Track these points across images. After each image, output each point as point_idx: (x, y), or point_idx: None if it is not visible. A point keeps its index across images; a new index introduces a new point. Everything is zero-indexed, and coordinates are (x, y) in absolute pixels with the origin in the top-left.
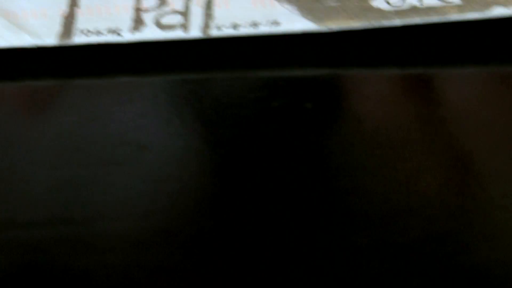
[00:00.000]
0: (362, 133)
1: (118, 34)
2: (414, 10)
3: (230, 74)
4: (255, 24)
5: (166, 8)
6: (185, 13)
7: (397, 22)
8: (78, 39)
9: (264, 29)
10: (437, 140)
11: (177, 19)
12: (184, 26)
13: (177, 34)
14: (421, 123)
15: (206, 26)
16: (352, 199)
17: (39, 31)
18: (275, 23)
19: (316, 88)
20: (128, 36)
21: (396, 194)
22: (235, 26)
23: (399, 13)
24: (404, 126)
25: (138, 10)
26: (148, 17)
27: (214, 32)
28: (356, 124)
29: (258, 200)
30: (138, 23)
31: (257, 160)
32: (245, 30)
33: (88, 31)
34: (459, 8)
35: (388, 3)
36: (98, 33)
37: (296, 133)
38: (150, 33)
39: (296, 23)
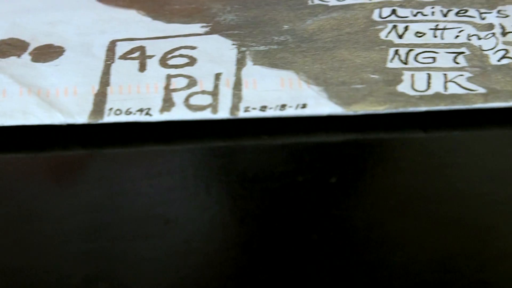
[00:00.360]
0: (387, 206)
1: (148, 114)
2: (439, 96)
3: (257, 147)
4: (282, 106)
5: (196, 89)
6: (214, 94)
7: (422, 108)
8: (108, 118)
9: (292, 111)
10: (467, 214)
11: (206, 99)
12: (213, 107)
13: (206, 114)
14: (449, 196)
15: (234, 107)
16: (377, 273)
17: (71, 109)
18: (303, 105)
19: (341, 161)
20: (157, 116)
21: (423, 268)
22: (262, 108)
23: (424, 98)
24: (429, 198)
25: (168, 90)
26: (178, 97)
27: (242, 114)
28: (381, 197)
29: (283, 274)
30: (167, 103)
31: (282, 234)
32: (272, 112)
33: (119, 110)
34: (484, 96)
35: (413, 88)
36: (128, 112)
37: (321, 207)
38: (180, 113)
39: (323, 106)
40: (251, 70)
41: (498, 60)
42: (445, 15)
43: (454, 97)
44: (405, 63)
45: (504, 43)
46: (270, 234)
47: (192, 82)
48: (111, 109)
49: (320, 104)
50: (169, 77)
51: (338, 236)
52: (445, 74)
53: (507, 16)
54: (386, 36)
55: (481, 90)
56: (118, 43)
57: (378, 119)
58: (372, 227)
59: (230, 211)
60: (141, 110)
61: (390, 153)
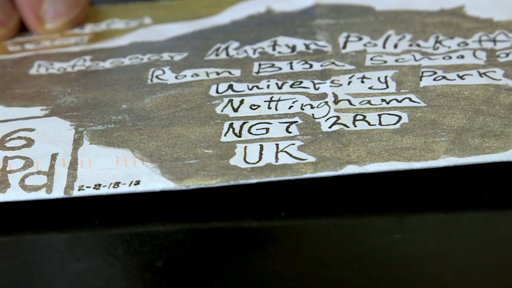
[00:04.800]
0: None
1: None
2: (269, 167)
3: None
4: (116, 184)
5: (32, 169)
6: (49, 174)
7: (253, 180)
8: None
9: (125, 188)
10: None
11: (41, 180)
12: (48, 187)
13: (40, 195)
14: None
15: (68, 186)
16: None
17: None
18: (136, 182)
19: (168, 246)
20: None
21: None
22: (97, 186)
23: (255, 170)
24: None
25: (4, 171)
26: (13, 178)
27: (76, 193)
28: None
29: None
30: (3, 184)
31: None
32: (106, 190)
33: None
34: (314, 165)
35: (245, 161)
36: None
37: None
38: (14, 194)
39: (156, 182)
40: (87, 149)
41: (330, 127)
42: (280, 88)
43: (285, 167)
44: (239, 136)
45: (336, 110)
46: None
47: (28, 163)
48: None
49: (153, 180)
50: (6, 159)
51: None
52: (277, 144)
53: (340, 85)
54: (222, 111)
55: (311, 159)
56: None
57: (219, 210)
58: None
59: None
60: None
61: (219, 242)
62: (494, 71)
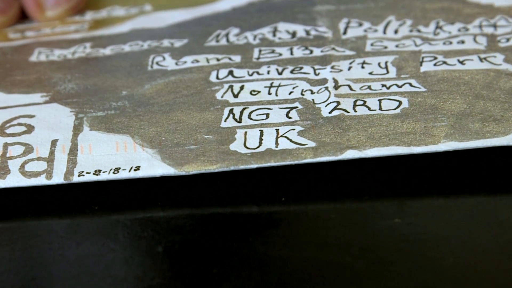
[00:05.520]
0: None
1: None
2: (270, 152)
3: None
4: (116, 169)
5: (32, 155)
6: (49, 160)
7: (253, 165)
8: None
9: (125, 174)
10: None
11: (41, 166)
12: (48, 173)
13: (41, 181)
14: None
15: (68, 172)
16: None
17: None
18: (136, 168)
19: (168, 231)
20: None
21: None
22: (96, 172)
23: (255, 155)
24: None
25: (4, 158)
26: (13, 165)
27: (76, 178)
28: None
29: None
30: (3, 170)
31: None
32: (106, 176)
33: None
34: (314, 150)
35: (245, 146)
36: None
37: (145, 277)
38: (14, 180)
39: (156, 168)
40: (87, 135)
41: (330, 112)
42: (280, 73)
43: (285, 152)
44: (239, 122)
45: (336, 95)
46: None
47: (29, 149)
48: None
49: (153, 166)
50: (6, 145)
51: None
52: (277, 130)
53: (340, 70)
54: (222, 96)
55: (311, 144)
56: None
57: (219, 195)
58: None
59: None
60: None
61: (219, 227)
62: (495, 56)
